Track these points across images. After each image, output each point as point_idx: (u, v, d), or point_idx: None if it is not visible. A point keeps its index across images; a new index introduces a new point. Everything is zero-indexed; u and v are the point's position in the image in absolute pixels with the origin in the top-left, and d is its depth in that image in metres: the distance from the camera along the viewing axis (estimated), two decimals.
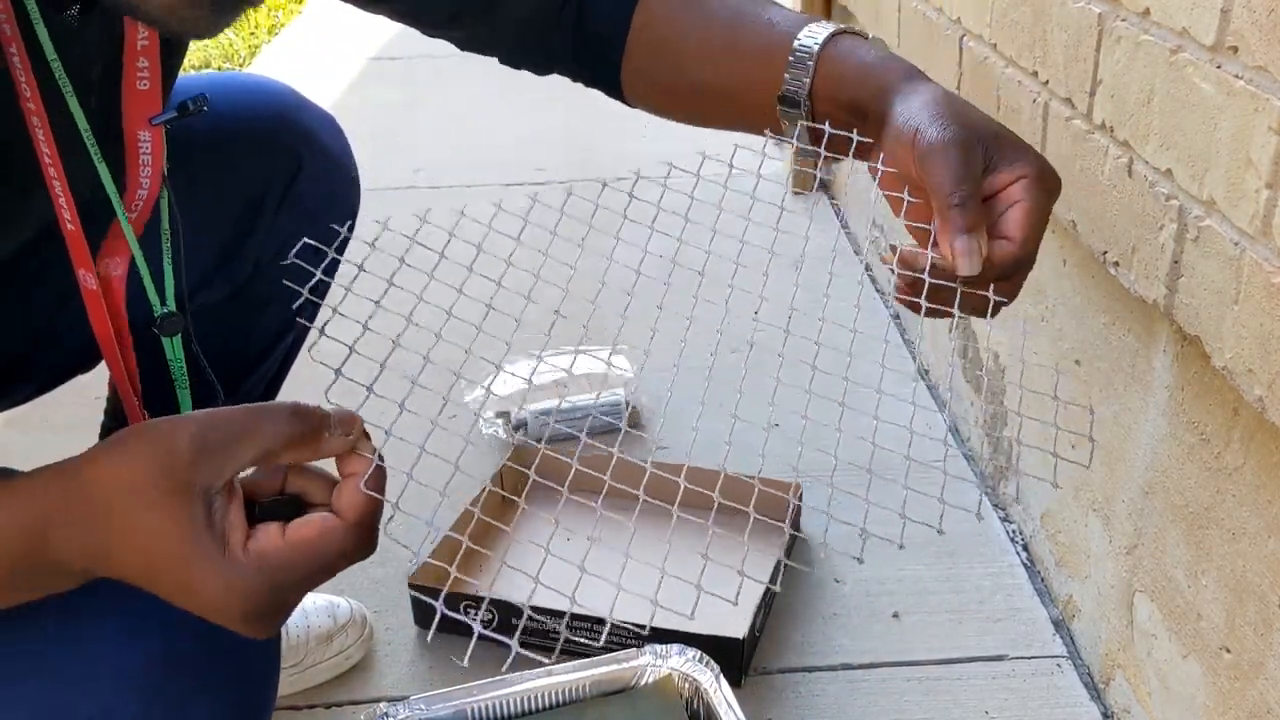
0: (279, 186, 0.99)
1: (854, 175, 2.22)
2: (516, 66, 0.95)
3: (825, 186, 2.45)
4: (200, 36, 0.65)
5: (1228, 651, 0.95)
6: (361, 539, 0.61)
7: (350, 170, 1.07)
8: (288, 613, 0.61)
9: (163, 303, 0.81)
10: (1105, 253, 1.07)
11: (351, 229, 1.02)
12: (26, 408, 1.46)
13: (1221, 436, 0.94)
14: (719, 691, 1.01)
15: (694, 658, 1.05)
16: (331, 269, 0.82)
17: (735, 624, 1.18)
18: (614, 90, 0.92)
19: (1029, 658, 1.22)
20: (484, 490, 1.39)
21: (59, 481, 0.59)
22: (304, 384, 0.95)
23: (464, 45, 0.93)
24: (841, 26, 0.80)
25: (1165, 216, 0.95)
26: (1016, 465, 1.40)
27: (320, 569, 0.59)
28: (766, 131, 0.83)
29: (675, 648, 1.06)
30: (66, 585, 0.61)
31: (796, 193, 2.43)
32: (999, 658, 1.22)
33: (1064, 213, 1.16)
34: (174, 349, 0.82)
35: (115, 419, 1.09)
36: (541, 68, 0.94)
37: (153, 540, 0.56)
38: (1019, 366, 1.39)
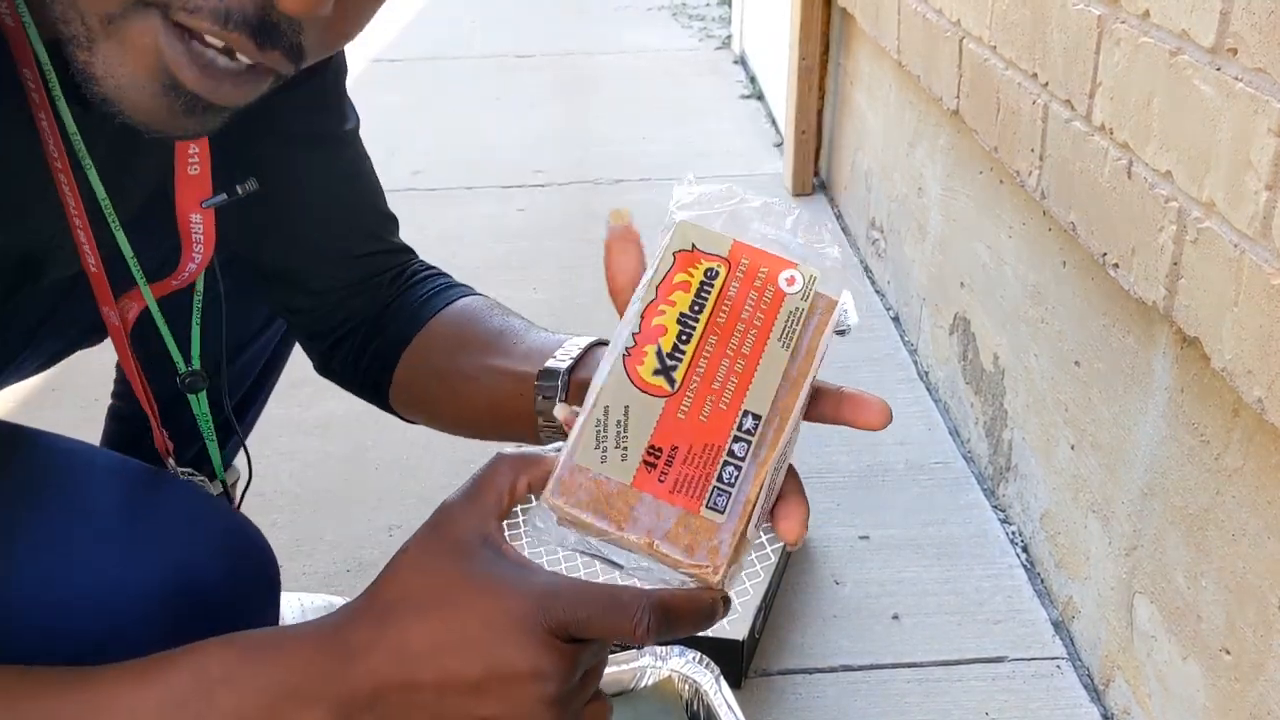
0: None
1: (853, 176, 2.22)
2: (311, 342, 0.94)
3: (824, 187, 2.46)
4: (181, 137, 0.65)
5: (1227, 653, 0.95)
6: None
7: None
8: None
9: (187, 362, 0.81)
10: (1105, 254, 1.07)
11: None
12: (29, 407, 1.46)
13: (1221, 438, 0.94)
14: (719, 693, 1.01)
15: (694, 659, 1.05)
16: None
17: (735, 626, 1.18)
18: (383, 404, 0.91)
19: (1029, 659, 1.22)
20: None
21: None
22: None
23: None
24: (595, 340, 0.78)
25: (1165, 218, 0.95)
26: (1016, 466, 1.40)
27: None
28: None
29: (675, 649, 1.06)
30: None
31: (796, 194, 2.44)
32: (999, 659, 1.22)
33: (1064, 214, 1.16)
34: (199, 404, 0.84)
35: (123, 399, 1.15)
36: (325, 357, 0.93)
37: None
38: (1019, 367, 1.39)
